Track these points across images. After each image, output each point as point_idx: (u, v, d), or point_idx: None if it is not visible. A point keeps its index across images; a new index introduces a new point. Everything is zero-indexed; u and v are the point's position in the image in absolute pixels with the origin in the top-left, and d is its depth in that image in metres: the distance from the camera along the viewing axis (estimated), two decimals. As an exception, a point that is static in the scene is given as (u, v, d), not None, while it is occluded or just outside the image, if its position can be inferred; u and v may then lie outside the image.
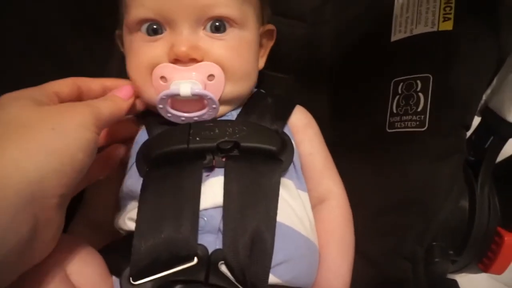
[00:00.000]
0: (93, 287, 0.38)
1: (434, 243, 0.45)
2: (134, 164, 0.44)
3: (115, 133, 0.48)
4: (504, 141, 0.48)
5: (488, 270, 0.47)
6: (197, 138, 0.42)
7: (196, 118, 0.45)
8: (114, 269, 0.40)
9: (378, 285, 0.47)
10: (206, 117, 0.45)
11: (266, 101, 0.51)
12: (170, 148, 0.42)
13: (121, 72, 0.50)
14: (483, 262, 0.47)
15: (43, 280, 0.35)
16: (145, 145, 0.45)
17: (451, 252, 0.47)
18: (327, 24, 0.63)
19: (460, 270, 0.49)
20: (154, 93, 0.44)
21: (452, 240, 0.47)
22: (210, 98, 0.43)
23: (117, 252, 0.40)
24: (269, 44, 0.55)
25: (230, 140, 0.42)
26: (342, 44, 0.61)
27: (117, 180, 0.48)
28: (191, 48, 0.42)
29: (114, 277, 0.40)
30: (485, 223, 0.47)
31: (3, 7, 0.45)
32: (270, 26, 0.53)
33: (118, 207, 0.46)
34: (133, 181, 0.43)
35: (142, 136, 0.47)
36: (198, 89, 0.42)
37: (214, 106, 0.44)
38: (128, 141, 0.49)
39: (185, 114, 0.44)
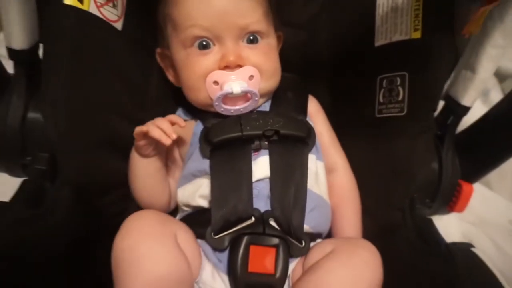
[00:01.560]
0: (191, 249, 0.49)
1: (415, 195, 0.58)
2: (197, 149, 0.56)
3: None
4: (460, 118, 0.60)
5: (453, 210, 0.60)
6: (248, 127, 0.54)
7: (241, 110, 0.56)
8: (197, 234, 0.52)
9: (379, 232, 0.58)
10: (249, 108, 0.56)
11: (288, 95, 0.63)
12: (229, 135, 0.54)
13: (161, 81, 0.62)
14: (450, 205, 0.60)
15: (162, 248, 0.45)
16: (205, 133, 0.56)
17: (428, 200, 0.60)
18: (323, 31, 0.72)
19: (434, 213, 0.62)
20: (207, 95, 0.55)
21: (428, 192, 0.59)
22: (254, 93, 0.55)
23: (195, 222, 0.53)
24: (279, 47, 0.66)
25: (272, 129, 0.54)
26: (337, 47, 0.70)
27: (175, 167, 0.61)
28: (237, 57, 0.55)
29: (198, 240, 0.52)
30: (450, 178, 0.59)
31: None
32: (280, 33, 0.65)
33: (180, 188, 0.58)
34: (197, 163, 0.55)
35: (198, 127, 0.58)
36: (245, 87, 0.54)
37: (256, 98, 0.55)
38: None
39: (234, 107, 0.56)
